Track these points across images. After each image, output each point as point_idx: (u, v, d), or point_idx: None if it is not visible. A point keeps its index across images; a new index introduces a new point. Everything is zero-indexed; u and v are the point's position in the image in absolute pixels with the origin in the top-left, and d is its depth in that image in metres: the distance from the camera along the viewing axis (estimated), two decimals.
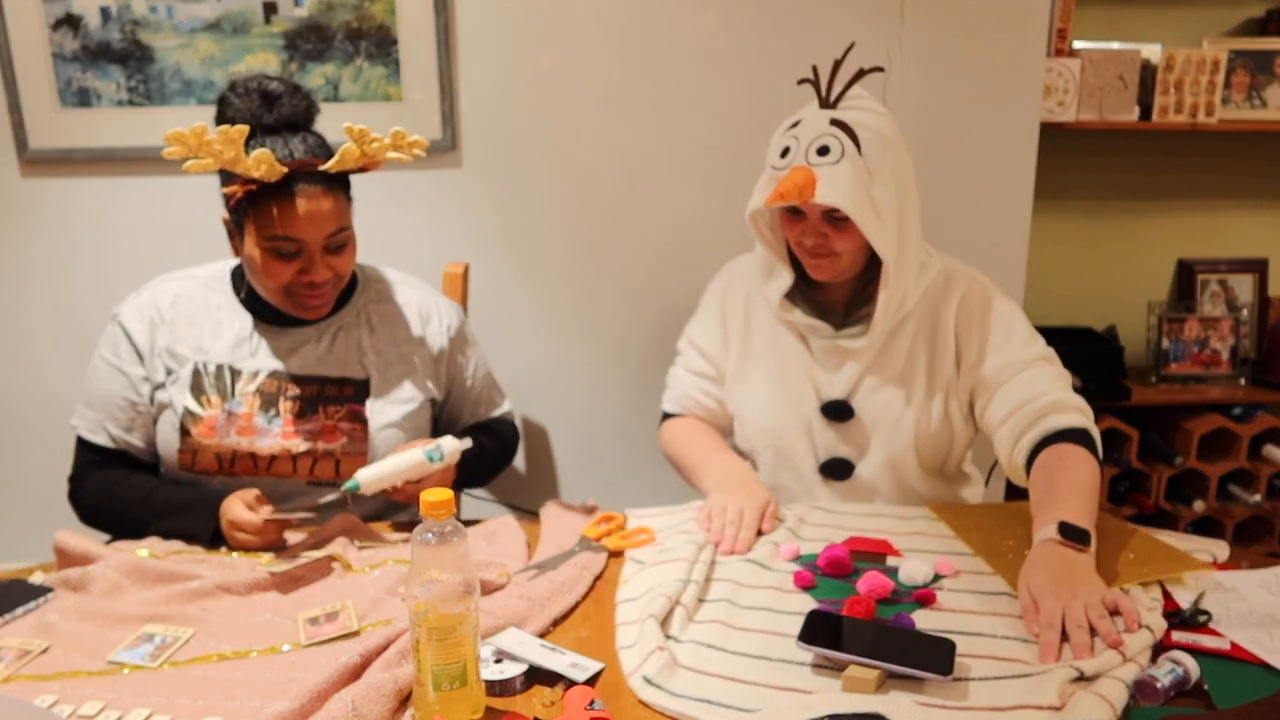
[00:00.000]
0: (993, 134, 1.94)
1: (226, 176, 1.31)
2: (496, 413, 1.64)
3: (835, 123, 1.31)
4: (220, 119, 1.33)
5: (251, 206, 1.31)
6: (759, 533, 1.28)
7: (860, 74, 1.35)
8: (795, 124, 1.35)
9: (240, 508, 1.28)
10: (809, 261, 1.38)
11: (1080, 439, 1.29)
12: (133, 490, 1.37)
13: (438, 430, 1.57)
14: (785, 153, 1.33)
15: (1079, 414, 1.31)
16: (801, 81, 1.38)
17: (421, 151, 1.36)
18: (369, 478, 1.27)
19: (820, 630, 0.99)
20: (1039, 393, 1.33)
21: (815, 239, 1.34)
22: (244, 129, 1.23)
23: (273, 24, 1.84)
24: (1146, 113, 2.22)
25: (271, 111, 1.33)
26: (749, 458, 1.56)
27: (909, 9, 1.87)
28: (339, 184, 1.35)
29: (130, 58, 1.84)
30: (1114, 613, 1.01)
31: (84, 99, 1.86)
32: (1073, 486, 1.22)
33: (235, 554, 1.27)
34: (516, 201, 1.96)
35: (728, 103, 1.91)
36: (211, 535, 1.30)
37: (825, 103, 1.34)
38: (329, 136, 1.30)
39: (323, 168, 1.31)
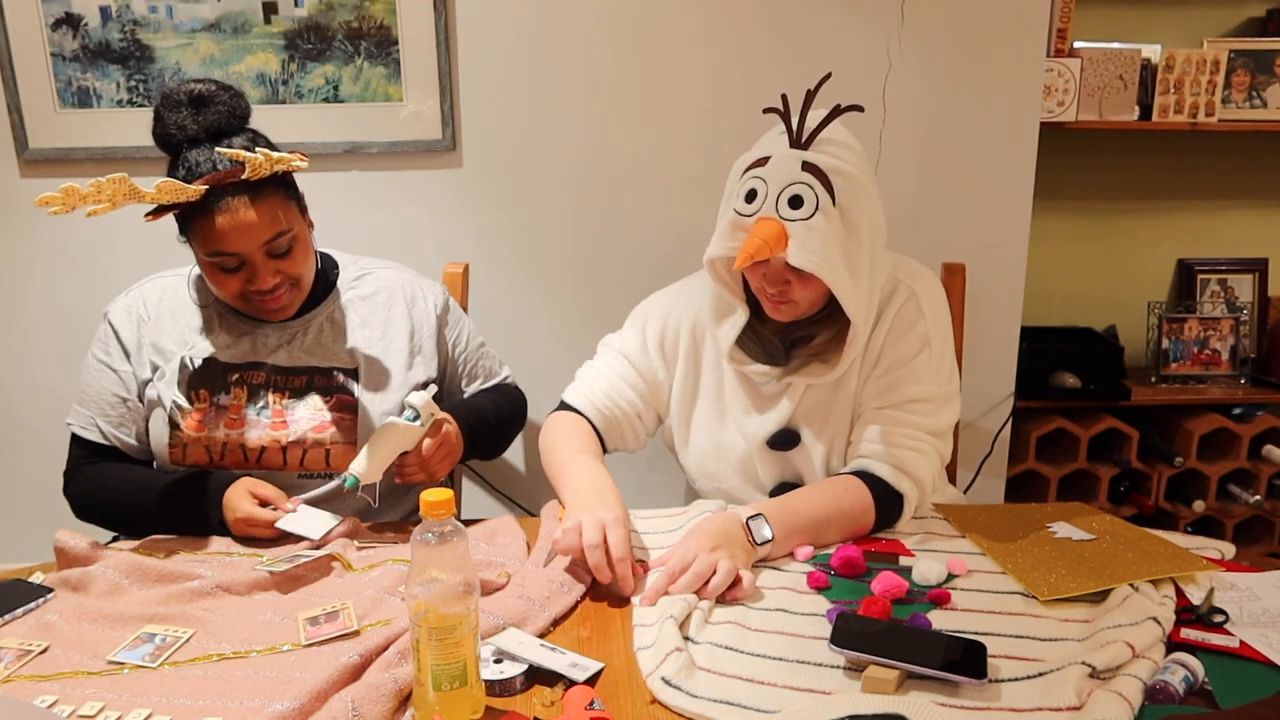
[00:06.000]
0: (993, 134, 1.94)
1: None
2: (497, 380, 1.63)
3: (808, 167, 1.20)
4: (153, 133, 1.31)
5: (187, 224, 1.30)
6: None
7: (836, 111, 1.23)
8: (761, 161, 1.23)
9: (250, 503, 1.28)
10: (769, 305, 1.31)
11: (882, 494, 1.28)
12: (129, 483, 1.38)
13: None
14: (751, 196, 1.22)
15: (908, 480, 1.29)
16: (768, 110, 1.27)
17: (303, 163, 1.31)
18: (362, 466, 1.27)
19: (851, 633, 0.98)
20: (887, 446, 1.31)
21: (778, 287, 1.26)
22: (119, 178, 1.16)
23: (273, 24, 1.83)
24: (1146, 113, 2.22)
25: (199, 118, 1.28)
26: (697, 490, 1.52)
27: (909, 9, 1.87)
28: (271, 187, 1.30)
29: (130, 58, 1.84)
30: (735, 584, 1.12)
31: (84, 99, 1.85)
32: (810, 508, 1.26)
33: (236, 553, 1.27)
34: (516, 201, 1.96)
35: (727, 102, 1.90)
36: (217, 523, 1.31)
37: (796, 141, 1.22)
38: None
39: (243, 177, 1.25)
